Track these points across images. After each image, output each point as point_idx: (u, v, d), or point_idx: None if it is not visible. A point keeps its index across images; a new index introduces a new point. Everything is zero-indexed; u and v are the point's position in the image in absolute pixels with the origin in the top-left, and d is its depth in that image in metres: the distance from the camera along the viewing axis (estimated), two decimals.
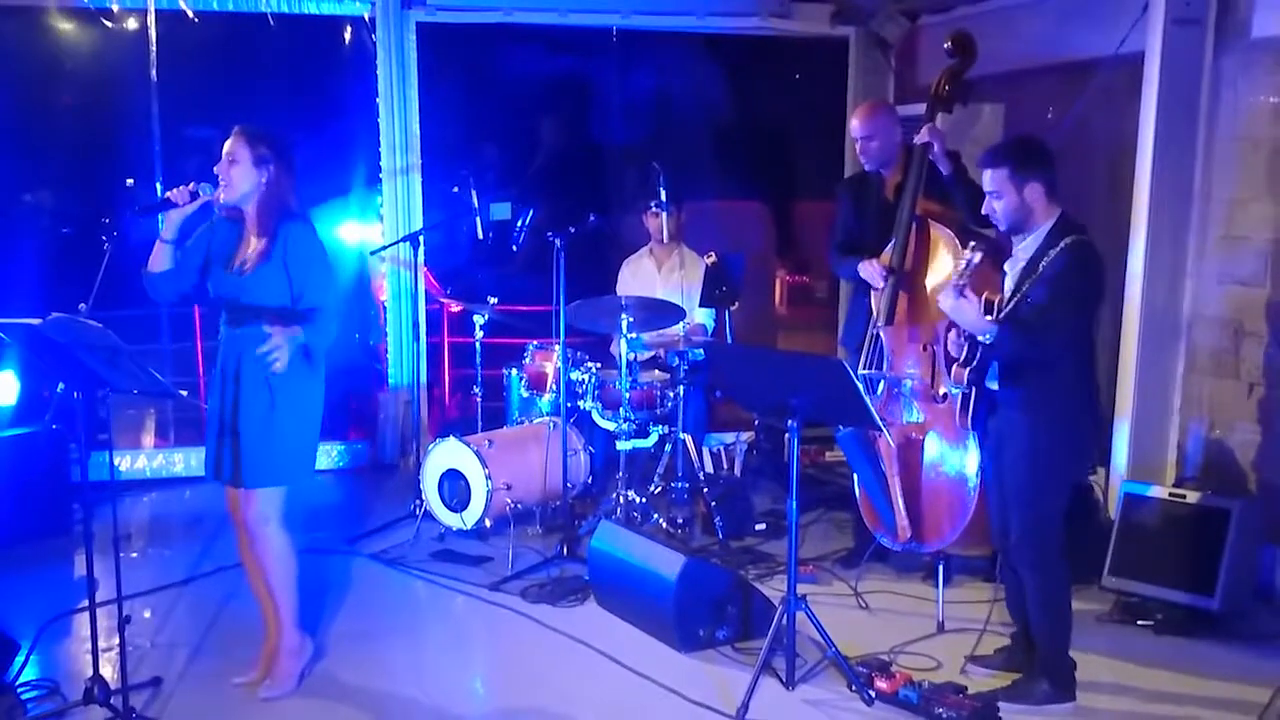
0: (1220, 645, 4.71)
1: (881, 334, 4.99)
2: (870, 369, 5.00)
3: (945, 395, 4.69)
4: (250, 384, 4.04)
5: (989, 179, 4.06)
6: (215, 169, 4.07)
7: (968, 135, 6.49)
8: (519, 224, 6.56)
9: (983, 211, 4.14)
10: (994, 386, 4.10)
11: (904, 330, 4.94)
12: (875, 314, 5.03)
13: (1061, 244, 3.92)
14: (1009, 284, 4.09)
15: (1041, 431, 4.01)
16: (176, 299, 4.32)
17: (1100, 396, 4.20)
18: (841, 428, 4.82)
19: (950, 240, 4.83)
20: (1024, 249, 4.07)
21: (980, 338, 3.99)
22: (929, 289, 4.88)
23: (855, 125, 5.34)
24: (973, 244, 4.00)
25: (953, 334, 4.13)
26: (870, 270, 5.05)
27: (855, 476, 5.14)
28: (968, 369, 4.12)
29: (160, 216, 4.08)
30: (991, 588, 4.72)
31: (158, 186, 7.29)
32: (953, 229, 4.86)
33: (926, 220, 4.94)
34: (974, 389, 4.15)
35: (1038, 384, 4.00)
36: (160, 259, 4.10)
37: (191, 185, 4.03)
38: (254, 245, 4.08)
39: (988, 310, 4.03)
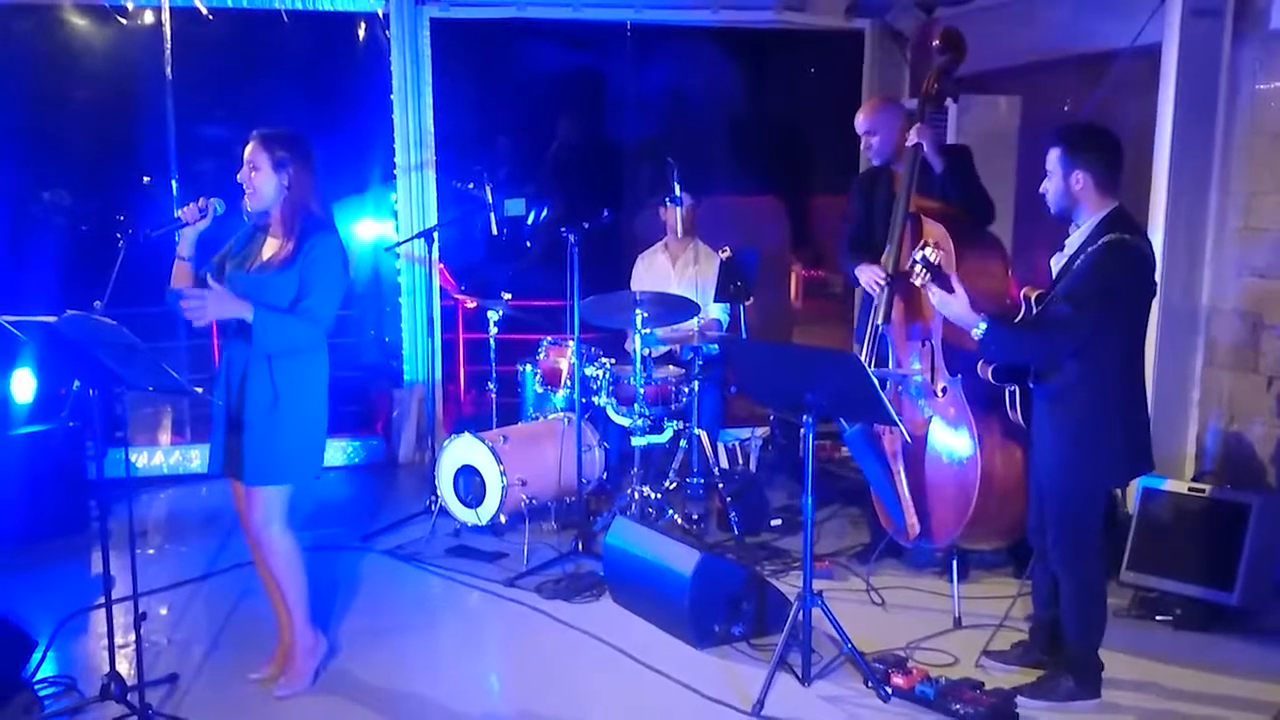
0: (1239, 640, 4.68)
1: (886, 331, 4.99)
2: (871, 366, 4.99)
3: (944, 389, 4.68)
4: (255, 382, 4.03)
5: (1048, 157, 4.00)
6: (238, 177, 4.05)
7: (983, 127, 6.47)
8: (529, 219, 6.56)
9: (1039, 190, 4.07)
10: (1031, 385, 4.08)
11: (903, 327, 4.94)
12: (874, 312, 5.04)
13: (1100, 241, 3.84)
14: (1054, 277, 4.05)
15: (1068, 430, 3.97)
16: None
17: (1142, 403, 4.07)
18: (849, 427, 4.80)
19: (944, 235, 4.81)
20: (1071, 242, 4.00)
21: (972, 332, 3.97)
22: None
23: (858, 121, 5.40)
24: (924, 240, 3.98)
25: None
26: (868, 277, 5.10)
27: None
28: (991, 366, 4.10)
29: (176, 235, 4.07)
30: (1017, 584, 4.70)
31: (173, 184, 7.32)
32: (945, 223, 4.84)
33: (920, 216, 4.93)
34: (1018, 385, 4.12)
35: (1066, 383, 3.95)
36: (181, 276, 4.10)
37: (201, 202, 4.02)
38: (275, 247, 4.07)
39: (1026, 305, 4.02)
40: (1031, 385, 4.08)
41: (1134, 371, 4.03)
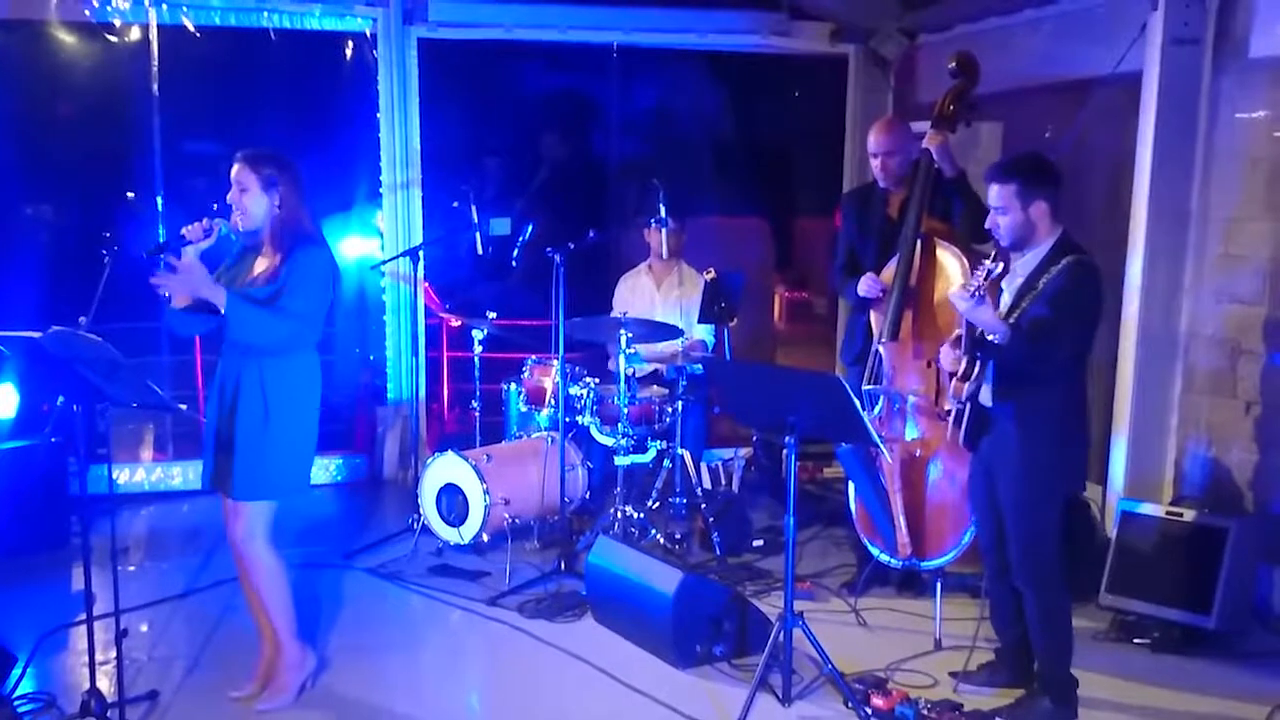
0: (1217, 664, 4.71)
1: (882, 350, 5.00)
2: (872, 384, 5.01)
3: (950, 411, 4.70)
4: (247, 398, 4.05)
5: (995, 194, 4.03)
6: (228, 199, 4.06)
7: (967, 155, 6.51)
8: (519, 239, 6.57)
9: (986, 226, 4.12)
10: (988, 403, 4.10)
11: (908, 346, 4.95)
12: (877, 330, 5.04)
13: (1063, 262, 3.94)
14: (1006, 300, 4.10)
15: (1034, 446, 4.02)
16: (202, 333, 4.32)
17: (1091, 413, 4.22)
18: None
19: (956, 257, 4.85)
20: (1023, 265, 4.08)
21: (990, 337, 3.99)
22: (935, 306, 4.90)
23: (876, 141, 5.29)
24: (995, 253, 3.99)
25: (946, 348, 4.13)
26: (869, 285, 5.08)
27: (852, 491, 5.15)
28: (966, 383, 4.13)
29: (179, 252, 4.05)
30: (977, 604, 4.71)
31: (158, 200, 7.31)
32: (959, 247, 4.88)
33: (932, 238, 4.96)
34: (968, 405, 4.15)
35: (1031, 399, 4.01)
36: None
37: (205, 222, 4.01)
38: (264, 265, 4.10)
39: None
40: (993, 402, 4.08)
41: (1084, 384, 4.17)
